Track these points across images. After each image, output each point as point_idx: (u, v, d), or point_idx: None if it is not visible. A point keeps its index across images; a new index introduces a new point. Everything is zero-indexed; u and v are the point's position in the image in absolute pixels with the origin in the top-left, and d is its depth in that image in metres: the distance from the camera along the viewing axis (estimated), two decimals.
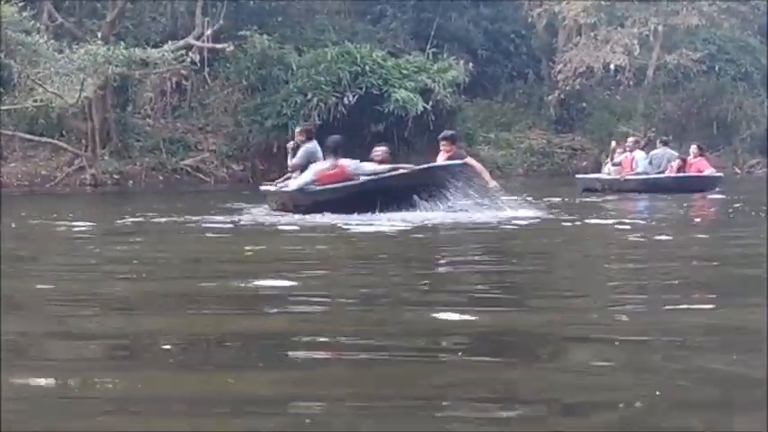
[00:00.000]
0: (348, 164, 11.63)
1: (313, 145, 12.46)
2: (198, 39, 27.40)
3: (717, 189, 17.55)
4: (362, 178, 11.42)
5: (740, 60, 37.51)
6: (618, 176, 18.33)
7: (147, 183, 26.60)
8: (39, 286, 5.42)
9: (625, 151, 18.80)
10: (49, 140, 25.96)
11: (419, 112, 28.32)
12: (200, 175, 27.92)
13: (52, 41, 21.81)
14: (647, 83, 36.40)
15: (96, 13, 29.19)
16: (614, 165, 18.97)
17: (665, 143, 19.69)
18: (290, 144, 13.17)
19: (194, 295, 5.05)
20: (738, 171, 33.13)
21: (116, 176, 26.34)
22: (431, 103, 28.73)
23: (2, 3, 21.11)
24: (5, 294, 4.83)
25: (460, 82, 30.20)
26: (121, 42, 23.34)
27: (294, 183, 12.03)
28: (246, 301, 4.84)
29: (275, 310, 4.59)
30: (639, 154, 18.52)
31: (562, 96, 35.08)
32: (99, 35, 24.77)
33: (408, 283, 5.60)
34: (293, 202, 11.88)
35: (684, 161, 18.18)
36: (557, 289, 5.42)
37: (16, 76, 22.75)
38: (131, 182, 26.54)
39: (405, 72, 29.27)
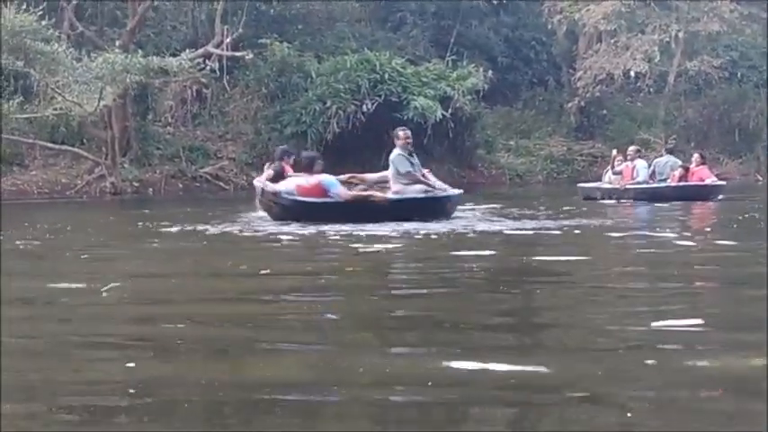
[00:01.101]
0: (324, 180, 11.82)
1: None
2: (217, 47, 27.46)
3: (719, 198, 17.42)
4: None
5: (763, 67, 37.20)
6: (618, 185, 18.22)
7: (167, 190, 26.67)
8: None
9: (626, 160, 18.70)
10: (69, 149, 26.07)
11: (438, 120, 28.28)
12: (220, 183, 27.96)
13: (71, 50, 21.92)
14: (668, 90, 36.22)
15: (117, 21, 29.38)
16: (615, 173, 18.82)
17: (670, 151, 19.61)
18: (273, 166, 12.89)
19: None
20: (760, 178, 32.84)
21: (136, 184, 26.41)
22: (450, 110, 28.68)
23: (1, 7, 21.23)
24: None
25: (480, 89, 30.11)
26: (139, 51, 23.42)
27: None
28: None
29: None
30: (640, 162, 18.39)
31: (582, 103, 34.98)
32: (119, 43, 24.93)
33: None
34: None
35: (687, 170, 18.05)
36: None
37: (36, 85, 22.87)
38: (151, 190, 26.61)
39: (424, 80, 29.24)
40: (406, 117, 28.03)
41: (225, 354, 3.96)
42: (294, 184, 11.84)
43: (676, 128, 35.58)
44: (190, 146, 28.67)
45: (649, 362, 3.51)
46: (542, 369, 3.45)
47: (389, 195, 12.01)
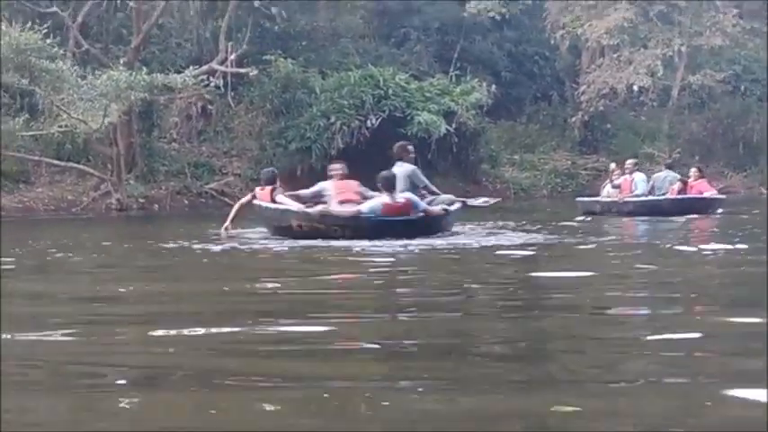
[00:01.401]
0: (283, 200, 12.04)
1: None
2: (221, 63, 27.62)
3: (719, 211, 17.43)
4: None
5: (765, 80, 37.30)
6: (616, 199, 18.23)
7: (173, 207, 26.79)
8: None
9: (624, 173, 18.73)
10: (75, 165, 26.20)
11: (442, 135, 28.39)
12: (226, 199, 27.96)
13: (75, 68, 22.08)
14: (672, 104, 36.33)
15: (122, 39, 29.56)
16: (614, 187, 18.82)
17: (669, 166, 19.62)
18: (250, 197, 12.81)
19: None
20: (765, 191, 32.87)
21: (141, 200, 26.52)
22: (454, 125, 28.80)
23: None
24: None
25: (484, 104, 30.23)
26: (143, 68, 23.57)
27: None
28: None
29: None
30: (639, 176, 18.42)
31: (586, 118, 35.05)
32: (123, 61, 25.08)
33: None
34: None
35: (685, 183, 18.07)
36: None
37: (41, 103, 23.02)
38: (156, 206, 26.73)
39: (428, 95, 29.38)
40: (410, 132, 28.11)
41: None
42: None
43: (680, 142, 35.66)
44: (195, 162, 28.79)
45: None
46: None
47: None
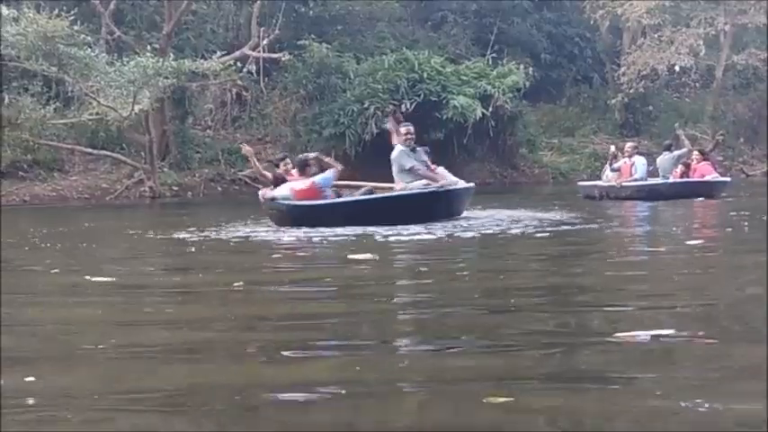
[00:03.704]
0: (317, 180, 11.76)
1: None
2: (254, 49, 27.36)
3: (723, 195, 16.79)
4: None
5: None
6: (615, 183, 17.65)
7: (206, 194, 26.64)
8: None
9: (624, 157, 18.14)
10: (108, 154, 26.16)
11: (478, 119, 27.90)
12: (259, 186, 27.80)
13: (104, 55, 21.94)
14: (716, 84, 35.48)
15: (156, 26, 29.40)
16: (613, 170, 18.18)
17: (668, 148, 18.92)
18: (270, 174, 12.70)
19: None
20: None
21: (175, 188, 26.42)
22: (490, 109, 28.28)
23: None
24: None
25: (521, 87, 29.64)
26: (171, 54, 23.37)
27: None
28: None
29: None
30: (639, 159, 17.73)
31: (626, 100, 34.33)
32: (157, 47, 24.94)
33: None
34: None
35: (688, 166, 17.44)
36: None
37: (70, 90, 22.93)
38: (190, 193, 26.59)
39: (464, 78, 28.89)
40: (445, 116, 27.77)
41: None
42: (289, 188, 11.71)
43: (725, 123, 34.82)
44: (229, 149, 28.59)
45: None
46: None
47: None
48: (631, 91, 33.64)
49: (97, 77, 21.05)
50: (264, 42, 27.23)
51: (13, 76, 24.68)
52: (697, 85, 35.22)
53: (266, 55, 27.50)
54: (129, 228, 12.98)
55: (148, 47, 23.28)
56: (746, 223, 10.51)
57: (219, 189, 27.42)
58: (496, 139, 30.26)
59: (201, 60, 23.27)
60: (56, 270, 7.59)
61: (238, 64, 26.39)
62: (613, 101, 34.82)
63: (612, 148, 19.57)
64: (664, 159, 18.21)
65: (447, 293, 5.69)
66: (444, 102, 27.90)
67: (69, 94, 23.48)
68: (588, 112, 36.79)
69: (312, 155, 12.81)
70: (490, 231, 10.02)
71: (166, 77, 21.76)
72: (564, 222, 11.31)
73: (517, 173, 31.65)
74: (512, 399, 2.97)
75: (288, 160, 12.87)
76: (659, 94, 36.32)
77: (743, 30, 34.35)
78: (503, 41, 34.75)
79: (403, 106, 27.67)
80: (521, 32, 36.34)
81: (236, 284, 6.13)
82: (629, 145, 18.69)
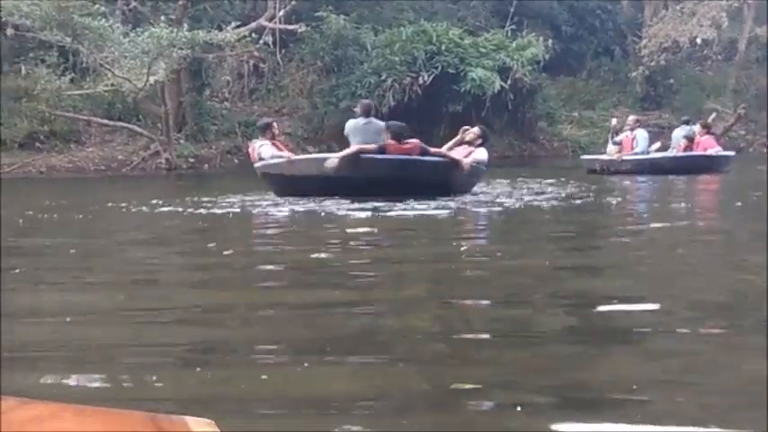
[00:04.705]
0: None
1: None
2: (270, 20, 27.15)
3: (727, 170, 16.54)
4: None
5: None
6: (615, 157, 17.38)
7: (223, 166, 26.53)
8: None
9: (625, 130, 17.88)
10: (125, 125, 26.04)
11: (497, 92, 27.64)
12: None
13: (118, 25, 21.78)
14: (739, 57, 35.00)
15: None
16: (615, 144, 17.94)
17: (686, 122, 18.64)
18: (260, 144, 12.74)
19: None
20: None
21: (191, 160, 26.31)
22: (509, 81, 28.01)
23: None
24: None
25: (540, 60, 29.31)
26: (185, 25, 23.19)
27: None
28: None
29: None
30: (641, 133, 17.51)
31: (647, 73, 33.92)
32: (173, 18, 24.77)
33: None
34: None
35: (691, 140, 17.17)
36: None
37: (85, 61, 22.82)
38: (206, 165, 26.49)
39: (482, 50, 28.60)
40: (463, 89, 27.54)
41: None
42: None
43: (747, 97, 34.36)
44: (246, 121, 28.42)
45: None
46: None
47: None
48: (653, 64, 33.23)
49: (111, 48, 20.89)
50: (281, 14, 26.99)
51: (30, 47, 24.62)
52: (719, 57, 34.76)
53: (282, 26, 27.26)
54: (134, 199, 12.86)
55: (162, 17, 23.06)
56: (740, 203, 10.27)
57: (236, 161, 27.27)
58: (515, 112, 29.99)
59: (216, 31, 23.02)
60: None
61: (254, 35, 26.17)
62: (634, 74, 34.42)
63: (614, 121, 19.34)
64: (678, 133, 18.00)
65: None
66: (462, 74, 27.65)
67: (84, 65, 23.34)
68: (609, 85, 36.39)
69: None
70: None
71: (181, 48, 21.55)
72: (553, 197, 11.21)
73: (536, 146, 31.37)
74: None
75: None
76: (681, 67, 35.87)
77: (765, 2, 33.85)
78: (522, 13, 34.31)
79: (420, 78, 27.49)
80: (541, 5, 35.90)
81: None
82: (630, 118, 18.51)
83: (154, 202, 11.48)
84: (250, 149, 13.11)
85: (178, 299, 4.68)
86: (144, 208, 10.83)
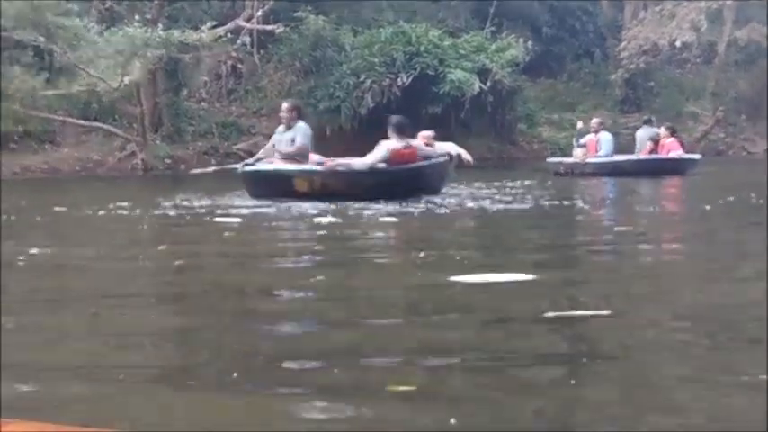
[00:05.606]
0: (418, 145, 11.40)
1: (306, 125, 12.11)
2: (248, 20, 26.94)
3: (692, 173, 16.54)
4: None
5: None
6: (579, 160, 17.37)
7: (199, 167, 26.26)
8: None
9: (589, 132, 17.87)
10: (100, 126, 25.74)
11: (476, 94, 27.51)
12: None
13: (93, 24, 21.51)
14: (718, 60, 35.02)
15: None
16: (579, 146, 17.94)
17: (648, 122, 18.67)
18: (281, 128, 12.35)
19: None
20: None
21: (167, 161, 26.05)
22: (488, 83, 27.88)
23: None
24: None
25: (520, 61, 29.20)
26: (159, 25, 22.94)
27: (362, 161, 11.14)
28: None
29: None
30: (605, 135, 17.51)
31: (627, 75, 33.91)
32: (149, 17, 24.52)
33: None
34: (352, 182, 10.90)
35: (656, 143, 17.17)
36: None
37: (59, 61, 22.53)
38: (183, 166, 26.22)
39: (462, 52, 28.47)
40: (442, 90, 27.40)
41: None
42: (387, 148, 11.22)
43: (726, 100, 34.44)
44: (223, 122, 28.23)
45: None
46: None
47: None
48: (632, 66, 33.22)
49: (86, 48, 20.63)
50: (259, 14, 26.77)
51: (4, 47, 24.30)
52: (699, 60, 34.80)
53: (260, 27, 27.06)
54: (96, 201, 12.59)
55: (137, 16, 22.81)
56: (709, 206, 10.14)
57: (213, 162, 27.01)
58: (495, 114, 29.89)
59: (191, 31, 22.79)
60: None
61: (232, 36, 25.97)
62: (614, 77, 34.40)
63: (579, 123, 19.35)
64: (641, 133, 18.01)
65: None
66: (441, 76, 27.51)
67: (59, 65, 23.05)
68: (589, 87, 36.37)
69: None
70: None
71: (156, 48, 21.31)
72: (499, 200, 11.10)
73: (515, 148, 31.28)
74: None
75: None
76: (661, 69, 35.89)
77: (745, 4, 33.87)
78: (503, 14, 34.18)
79: (399, 80, 27.33)
80: (522, 6, 35.82)
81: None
82: (594, 120, 18.48)
83: (111, 206, 11.11)
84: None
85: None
86: (101, 212, 10.52)
